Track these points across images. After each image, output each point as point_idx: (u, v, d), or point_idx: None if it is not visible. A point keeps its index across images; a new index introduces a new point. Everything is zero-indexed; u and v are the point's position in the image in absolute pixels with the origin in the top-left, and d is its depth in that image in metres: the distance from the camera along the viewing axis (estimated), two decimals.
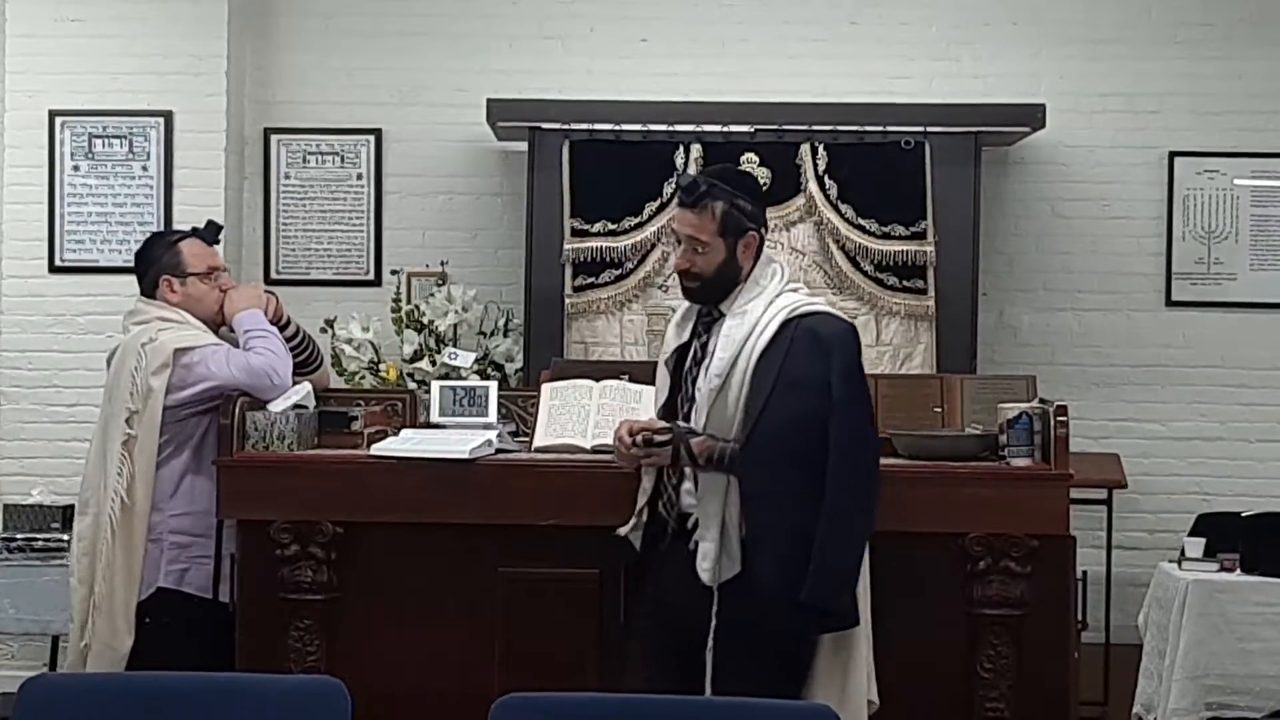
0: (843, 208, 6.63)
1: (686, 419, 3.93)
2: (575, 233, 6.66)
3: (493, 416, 4.51)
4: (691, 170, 6.59)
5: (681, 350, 4.04)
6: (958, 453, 4.35)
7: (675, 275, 4.07)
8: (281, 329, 4.65)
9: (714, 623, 3.82)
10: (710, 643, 3.82)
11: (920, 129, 6.66)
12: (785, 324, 3.88)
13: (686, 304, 4.09)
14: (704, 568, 3.83)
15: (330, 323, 6.72)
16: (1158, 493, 7.04)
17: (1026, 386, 4.75)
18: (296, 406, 4.41)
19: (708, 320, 4.00)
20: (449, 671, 4.28)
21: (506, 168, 7.13)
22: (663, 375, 4.06)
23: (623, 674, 4.00)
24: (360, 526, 4.29)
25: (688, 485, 3.92)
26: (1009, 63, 7.12)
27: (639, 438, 3.88)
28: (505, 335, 6.82)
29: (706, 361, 3.93)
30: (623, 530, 4.04)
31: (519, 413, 4.75)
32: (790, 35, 7.15)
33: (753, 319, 3.89)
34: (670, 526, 3.96)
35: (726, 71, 7.07)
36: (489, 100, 6.70)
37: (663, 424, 3.91)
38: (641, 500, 4.01)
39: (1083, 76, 7.12)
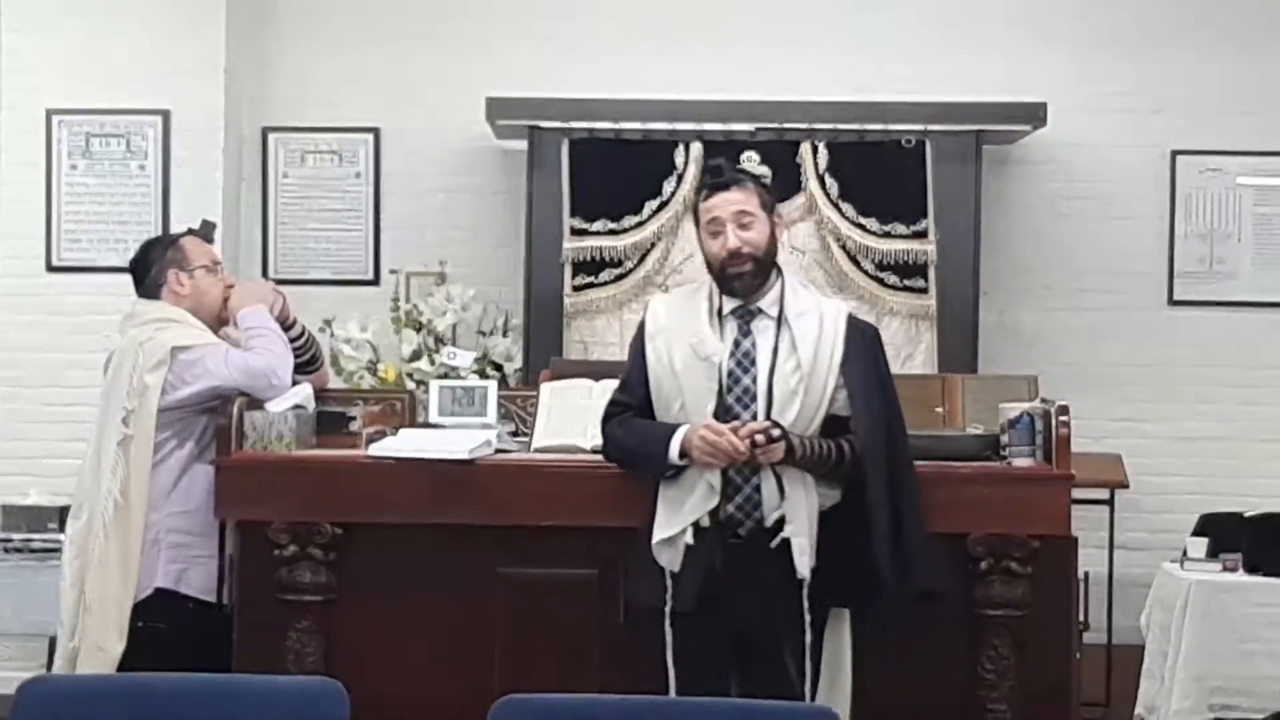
0: (843, 206, 6.63)
1: (736, 418, 3.91)
2: (575, 232, 6.65)
3: (492, 416, 4.50)
4: (691, 171, 6.60)
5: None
6: (959, 453, 4.33)
7: (720, 265, 3.99)
8: (286, 329, 4.63)
9: (808, 618, 3.91)
10: (807, 637, 3.91)
11: (921, 127, 6.67)
12: (847, 324, 4.03)
13: (677, 302, 4.10)
14: (802, 562, 3.90)
15: (329, 322, 6.70)
16: (1160, 493, 7.03)
17: (1028, 386, 4.74)
18: (295, 407, 4.40)
19: (744, 318, 4.00)
20: (449, 671, 4.26)
21: (506, 166, 7.12)
22: (708, 374, 3.96)
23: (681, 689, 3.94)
24: (359, 527, 4.27)
25: (766, 484, 3.92)
26: (1010, 61, 7.10)
27: (757, 437, 3.83)
28: (504, 335, 6.81)
29: (775, 361, 3.94)
30: (666, 536, 3.92)
31: (518, 413, 4.73)
32: (790, 34, 7.14)
33: (819, 317, 4.00)
34: (745, 528, 3.93)
35: (727, 70, 7.07)
36: (488, 99, 6.69)
37: (768, 421, 3.88)
38: (704, 508, 3.91)
39: (1084, 75, 7.11)
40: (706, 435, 3.85)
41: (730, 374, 3.96)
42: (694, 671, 3.92)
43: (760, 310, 4.01)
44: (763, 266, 4.00)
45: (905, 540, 3.93)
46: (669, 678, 3.94)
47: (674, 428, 3.92)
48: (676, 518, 3.93)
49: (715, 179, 4.07)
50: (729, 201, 4.00)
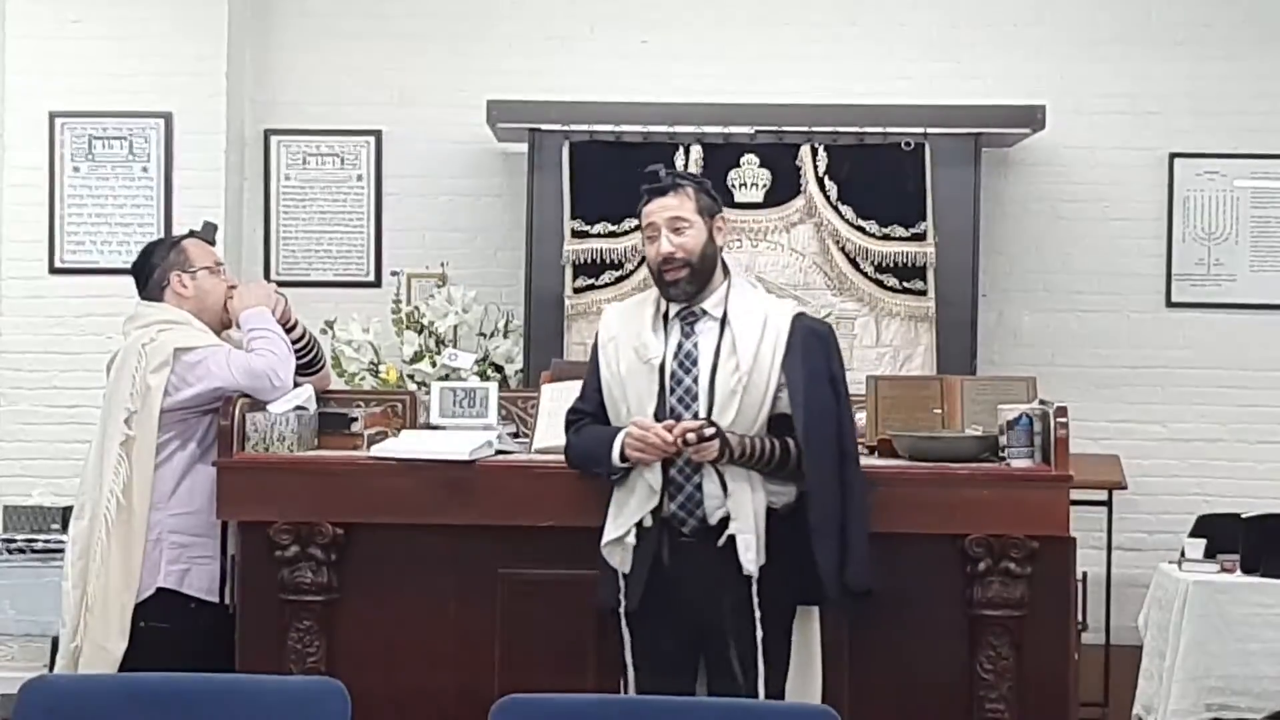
0: (843, 209, 6.64)
1: (678, 418, 3.93)
2: (575, 234, 6.67)
3: (493, 418, 4.51)
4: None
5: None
6: (958, 454, 4.34)
7: (657, 270, 4.03)
8: (288, 330, 4.64)
9: (758, 614, 3.91)
10: (758, 634, 3.91)
11: (920, 130, 6.67)
12: (793, 323, 4.01)
13: (628, 309, 4.16)
14: (748, 559, 3.90)
15: (330, 324, 6.71)
16: (1158, 494, 7.04)
17: (1027, 387, 4.74)
18: (297, 408, 4.41)
19: (689, 321, 4.03)
20: (449, 671, 4.28)
21: (507, 169, 7.13)
22: (648, 376, 4.01)
23: (643, 688, 3.98)
24: (360, 527, 4.28)
25: (708, 483, 3.94)
26: (1009, 63, 7.12)
27: (688, 435, 3.84)
28: (505, 336, 6.82)
29: (716, 361, 3.96)
30: (612, 537, 3.98)
31: (519, 414, 4.75)
32: (790, 36, 7.15)
33: (762, 318, 4.00)
34: (689, 526, 3.95)
35: (726, 72, 7.08)
36: (489, 101, 6.70)
37: (703, 420, 3.90)
38: (645, 508, 3.96)
39: (1083, 77, 7.12)
40: (633, 431, 3.90)
41: (673, 375, 4.00)
42: (654, 670, 3.97)
43: (705, 312, 4.04)
44: (699, 271, 4.02)
45: (849, 537, 3.95)
46: (632, 676, 3.98)
47: (618, 431, 3.97)
48: (621, 519, 3.98)
49: (652, 184, 4.08)
50: (664, 207, 4.03)
